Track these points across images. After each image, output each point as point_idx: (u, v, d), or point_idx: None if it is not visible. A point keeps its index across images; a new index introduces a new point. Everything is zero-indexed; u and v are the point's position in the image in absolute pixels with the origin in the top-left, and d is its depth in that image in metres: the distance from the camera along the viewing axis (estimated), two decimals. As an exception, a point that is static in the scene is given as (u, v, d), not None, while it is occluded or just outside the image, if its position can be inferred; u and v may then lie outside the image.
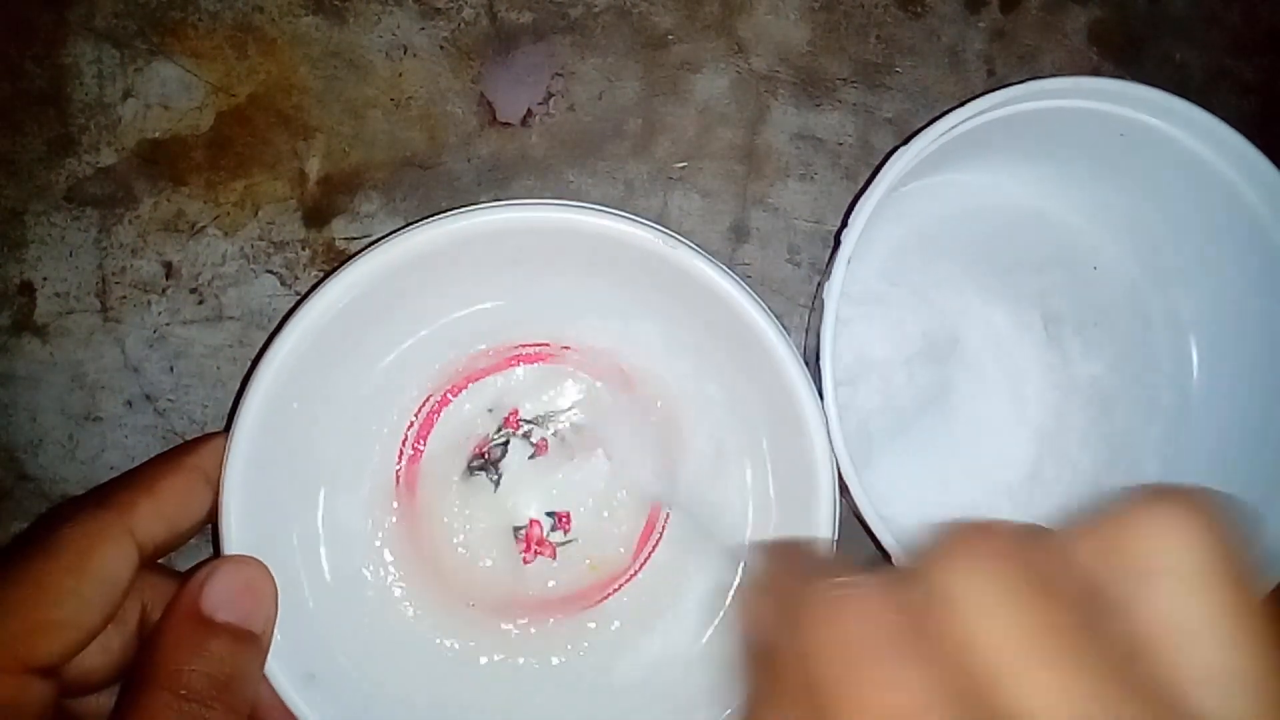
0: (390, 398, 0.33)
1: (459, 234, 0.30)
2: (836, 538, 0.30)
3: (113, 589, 0.27)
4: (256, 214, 0.36)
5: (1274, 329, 0.34)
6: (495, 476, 0.34)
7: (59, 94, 0.35)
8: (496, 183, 0.36)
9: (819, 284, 0.35)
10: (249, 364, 0.35)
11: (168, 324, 0.36)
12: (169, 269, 0.36)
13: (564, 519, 0.34)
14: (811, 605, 0.18)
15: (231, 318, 0.36)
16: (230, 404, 0.35)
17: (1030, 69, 0.38)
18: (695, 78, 0.37)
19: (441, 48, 0.36)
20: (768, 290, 0.37)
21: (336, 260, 0.36)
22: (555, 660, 0.33)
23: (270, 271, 0.36)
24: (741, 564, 0.32)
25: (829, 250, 0.37)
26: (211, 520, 0.29)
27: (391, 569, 0.33)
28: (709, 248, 0.33)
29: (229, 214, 0.36)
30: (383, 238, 0.30)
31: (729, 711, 0.30)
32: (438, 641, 0.33)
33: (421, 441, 0.34)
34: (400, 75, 0.36)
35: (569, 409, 0.34)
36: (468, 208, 0.30)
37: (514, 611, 0.33)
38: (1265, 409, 0.35)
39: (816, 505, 0.30)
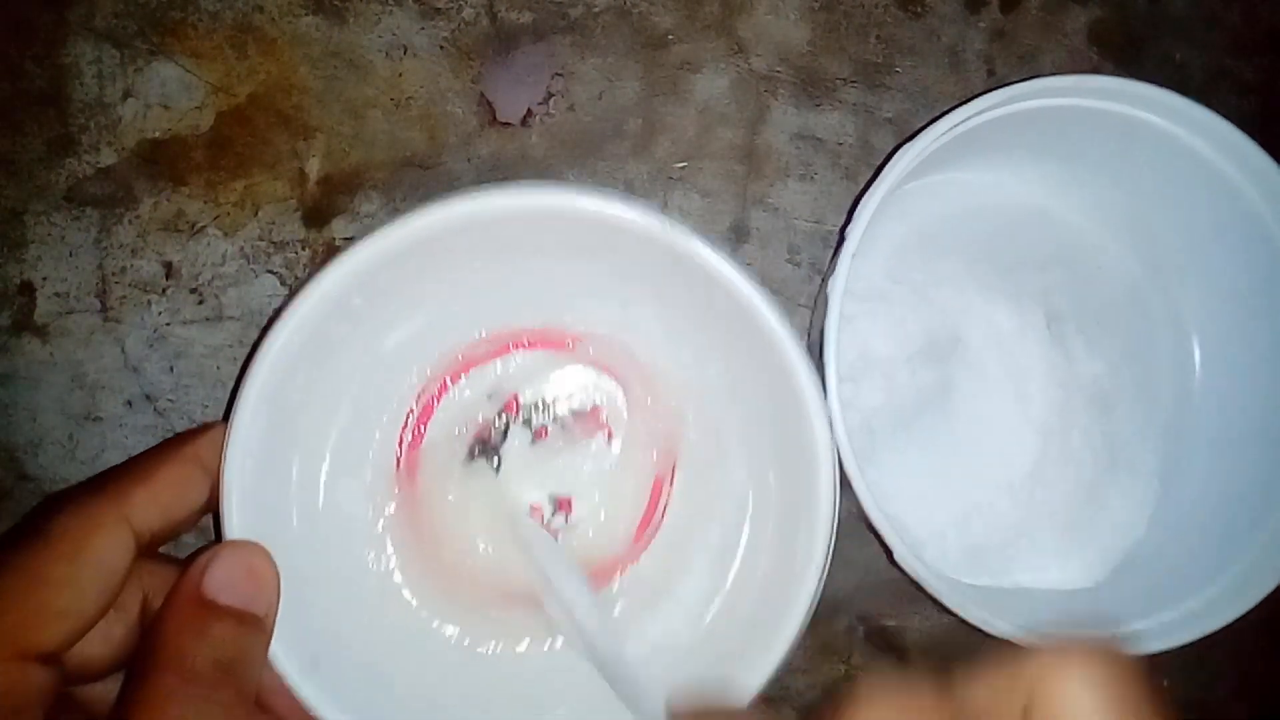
0: (389, 384, 0.33)
1: (454, 219, 0.29)
2: (837, 524, 0.30)
3: (110, 576, 0.26)
4: (256, 214, 0.36)
5: (1276, 328, 0.34)
6: (496, 462, 0.34)
7: (59, 94, 0.35)
8: (497, 183, 0.36)
9: (822, 280, 0.35)
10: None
11: (168, 324, 0.36)
12: (169, 269, 0.36)
13: (565, 504, 0.34)
14: None
15: (231, 318, 0.36)
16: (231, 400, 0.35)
17: (1030, 69, 0.38)
18: (695, 78, 0.37)
19: (441, 48, 0.36)
20: (768, 290, 0.36)
21: (336, 260, 0.36)
22: (558, 645, 0.33)
23: (270, 271, 0.36)
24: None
25: (829, 250, 0.37)
26: (210, 510, 0.29)
27: (393, 555, 0.33)
28: (709, 247, 0.33)
29: (229, 214, 0.36)
30: (377, 226, 0.30)
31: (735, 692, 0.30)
32: (439, 627, 0.33)
33: (421, 428, 0.33)
34: (400, 75, 0.36)
35: (568, 394, 0.34)
36: (462, 193, 0.30)
37: (515, 597, 0.33)
38: (1267, 408, 0.35)
39: (817, 488, 0.30)
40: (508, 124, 0.37)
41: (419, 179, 0.36)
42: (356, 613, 0.32)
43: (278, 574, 0.29)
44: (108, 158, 0.35)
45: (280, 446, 0.30)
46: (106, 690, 0.28)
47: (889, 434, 0.35)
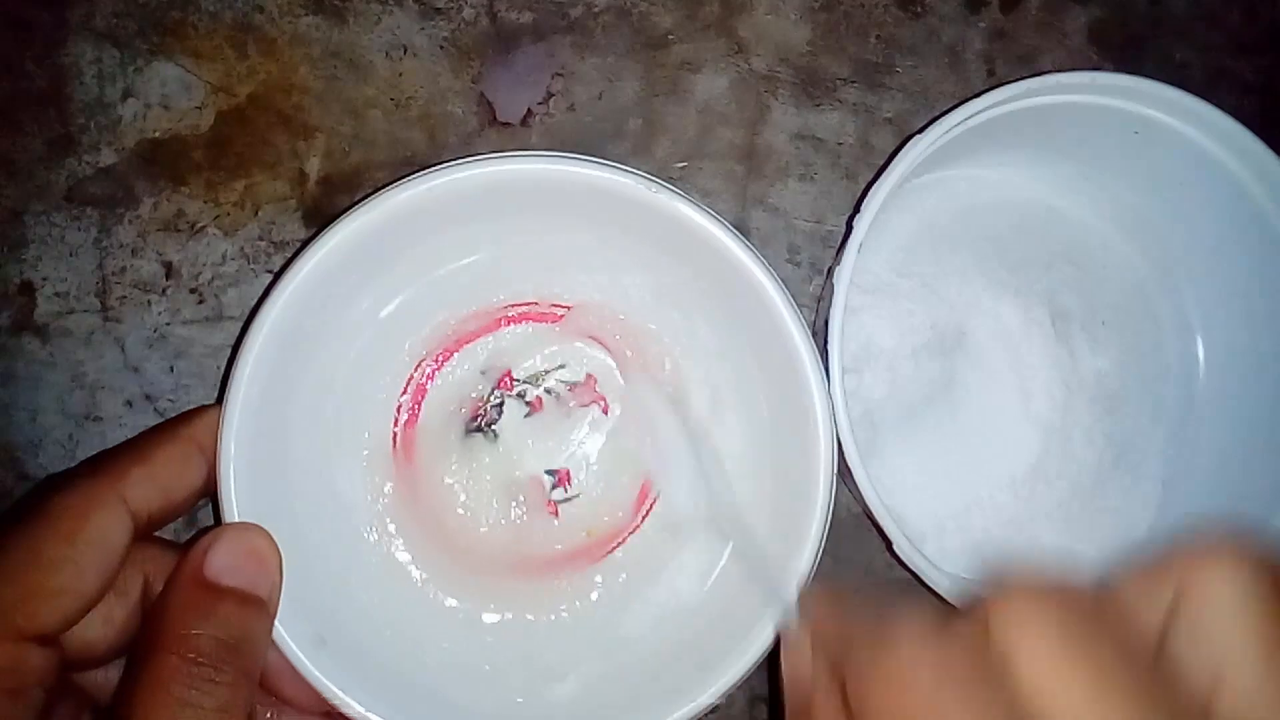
0: (382, 361, 0.33)
1: (440, 189, 0.29)
2: (833, 489, 0.30)
3: (108, 555, 0.26)
4: (256, 214, 0.36)
5: (1280, 329, 0.34)
6: (493, 438, 0.34)
7: (59, 94, 0.35)
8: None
9: (828, 269, 0.35)
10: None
11: (168, 324, 0.36)
12: (169, 269, 0.36)
13: (564, 476, 0.34)
14: (866, 657, 0.18)
15: (231, 318, 0.36)
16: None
17: (1030, 69, 0.38)
18: (695, 78, 0.37)
19: (441, 48, 0.36)
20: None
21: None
22: (563, 615, 0.33)
23: (270, 271, 0.36)
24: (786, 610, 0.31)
25: (829, 250, 0.37)
26: (207, 494, 0.29)
27: (394, 532, 0.33)
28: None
29: (229, 214, 0.36)
30: (364, 198, 0.30)
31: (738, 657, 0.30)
32: (444, 601, 0.33)
33: (417, 407, 0.33)
34: (400, 75, 0.36)
35: (561, 366, 0.34)
36: (447, 164, 0.29)
37: (519, 570, 0.33)
38: (1271, 409, 0.35)
39: (814, 452, 0.30)
40: (508, 124, 0.37)
41: (419, 179, 0.36)
42: (360, 590, 0.32)
43: (279, 555, 0.29)
44: (108, 158, 0.35)
45: (275, 428, 0.30)
46: (108, 677, 0.28)
47: (891, 426, 0.35)
